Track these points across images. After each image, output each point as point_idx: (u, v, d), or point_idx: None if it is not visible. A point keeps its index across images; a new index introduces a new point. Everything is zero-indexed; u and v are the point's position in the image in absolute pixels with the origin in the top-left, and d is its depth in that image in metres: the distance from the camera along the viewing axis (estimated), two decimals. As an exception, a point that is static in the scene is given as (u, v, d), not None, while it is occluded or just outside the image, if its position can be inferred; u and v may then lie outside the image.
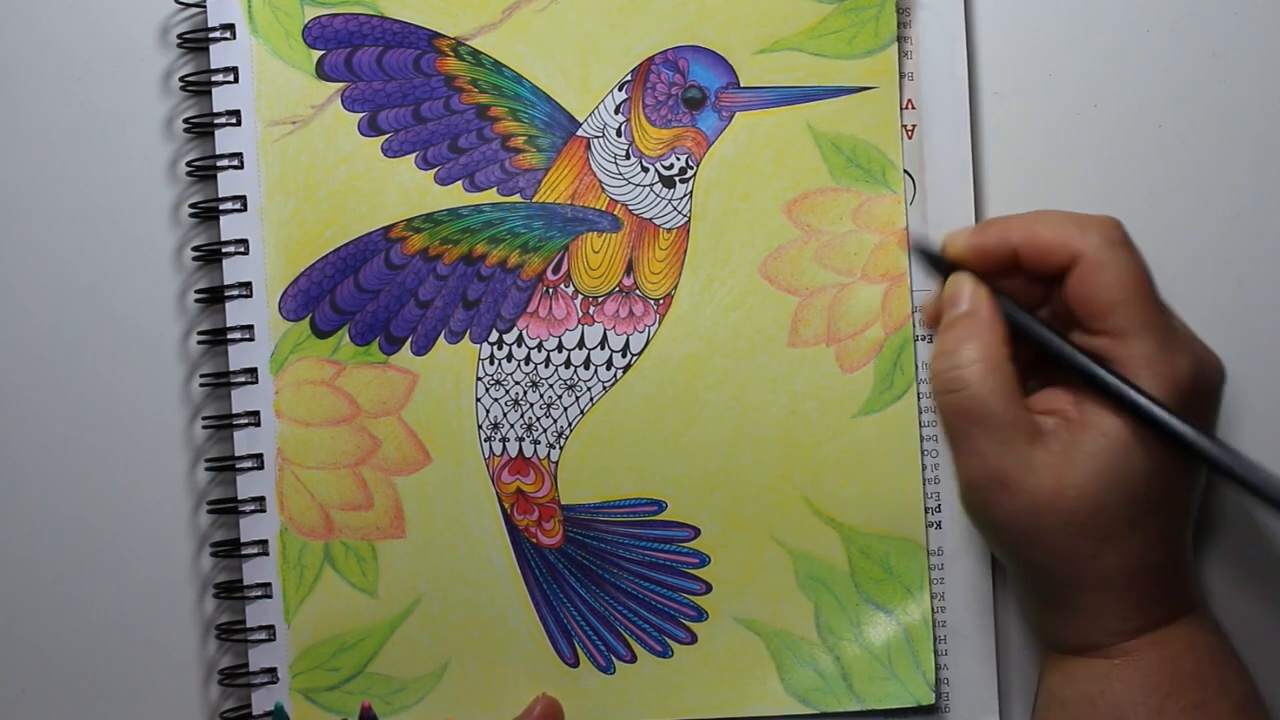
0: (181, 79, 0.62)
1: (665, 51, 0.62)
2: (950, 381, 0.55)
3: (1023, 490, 0.54)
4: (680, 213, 0.62)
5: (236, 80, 0.61)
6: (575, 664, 0.62)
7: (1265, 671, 0.60)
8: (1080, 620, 0.55)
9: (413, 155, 0.62)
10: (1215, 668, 0.55)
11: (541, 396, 0.62)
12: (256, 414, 0.61)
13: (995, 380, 0.54)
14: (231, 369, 0.61)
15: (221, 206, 0.61)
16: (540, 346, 0.62)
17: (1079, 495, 0.53)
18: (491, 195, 0.62)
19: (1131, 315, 0.54)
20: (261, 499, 0.61)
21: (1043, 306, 0.57)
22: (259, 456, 0.61)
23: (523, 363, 0.62)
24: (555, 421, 0.62)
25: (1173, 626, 0.55)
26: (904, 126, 0.62)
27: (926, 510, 0.61)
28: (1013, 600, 0.62)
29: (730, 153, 0.62)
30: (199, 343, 0.62)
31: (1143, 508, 0.54)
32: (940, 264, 0.58)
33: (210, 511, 0.62)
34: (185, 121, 0.62)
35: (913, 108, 0.62)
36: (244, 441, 0.61)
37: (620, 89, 0.62)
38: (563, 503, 0.62)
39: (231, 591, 0.61)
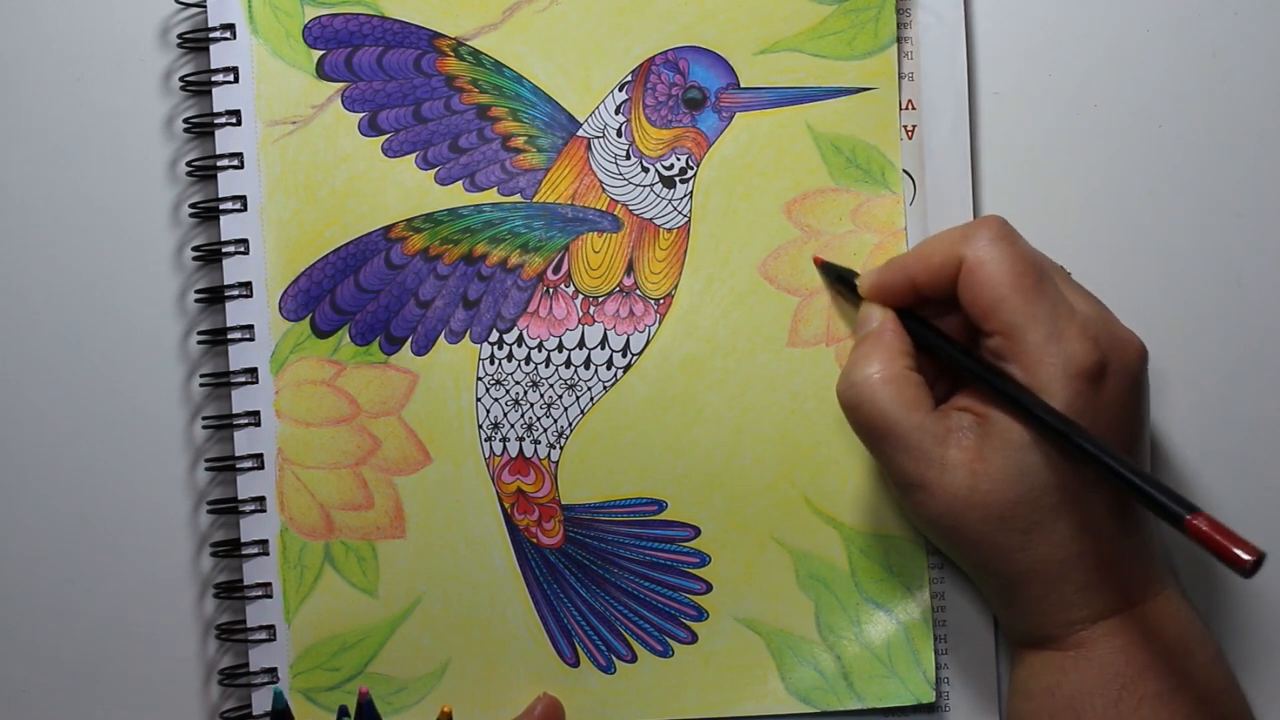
0: (181, 79, 0.62)
1: (665, 52, 0.62)
2: (852, 398, 0.57)
3: (941, 489, 0.55)
4: (680, 213, 0.62)
5: (236, 80, 0.61)
6: (576, 664, 0.62)
7: (1232, 653, 0.60)
8: (1026, 614, 0.56)
9: (413, 155, 0.62)
10: (1176, 658, 0.55)
11: (542, 396, 0.62)
12: (256, 414, 0.61)
13: (892, 391, 0.56)
14: (231, 369, 0.61)
15: (221, 206, 0.61)
16: (540, 346, 0.62)
17: (993, 489, 0.54)
18: (492, 195, 0.62)
19: (1015, 308, 0.55)
20: (261, 499, 0.61)
21: (952, 314, 0.58)
22: (259, 456, 0.61)
23: (523, 363, 0.62)
24: (555, 421, 0.62)
25: (1126, 616, 0.55)
26: (904, 127, 0.62)
27: (926, 510, 0.62)
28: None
29: (730, 153, 0.62)
30: (199, 343, 0.62)
31: (1061, 497, 0.54)
32: (853, 286, 0.60)
33: (210, 511, 0.62)
34: (185, 121, 0.62)
35: (912, 108, 0.62)
36: (244, 441, 0.61)
37: (620, 89, 0.62)
38: (563, 502, 0.62)
39: (231, 591, 0.61)
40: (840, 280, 0.61)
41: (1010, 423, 0.54)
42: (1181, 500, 0.50)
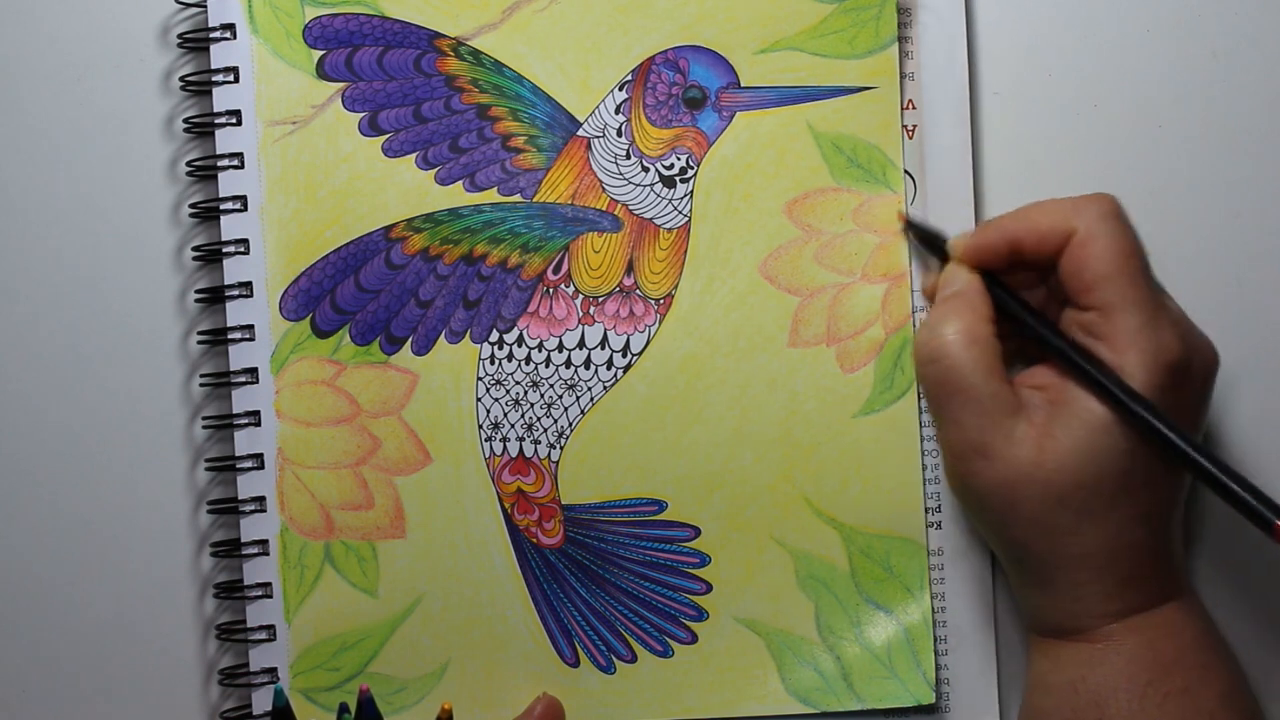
0: (182, 79, 0.62)
1: (666, 51, 0.62)
2: (931, 351, 0.56)
3: (1003, 460, 0.55)
4: (681, 213, 0.62)
5: (237, 80, 0.61)
6: (576, 664, 0.62)
7: (1250, 661, 0.60)
8: (1062, 601, 0.56)
9: (413, 155, 0.62)
10: (1201, 654, 0.55)
11: (542, 396, 0.62)
12: (257, 414, 0.61)
13: (974, 352, 0.56)
14: (232, 369, 0.61)
15: (222, 206, 0.61)
16: (541, 346, 0.62)
17: (1058, 467, 0.54)
18: (492, 195, 0.62)
19: (1119, 289, 0.55)
20: (262, 499, 0.61)
21: (1038, 287, 0.58)
22: (259, 456, 0.61)
23: (523, 363, 0.62)
24: (556, 421, 0.62)
25: (1156, 612, 0.55)
26: (904, 126, 0.62)
27: (926, 510, 0.62)
28: (1012, 598, 0.61)
29: (731, 153, 0.62)
30: (199, 343, 0.62)
31: (1122, 485, 0.54)
32: (938, 247, 0.59)
33: (210, 511, 0.62)
34: (185, 121, 0.62)
35: (913, 108, 0.62)
36: (244, 441, 0.61)
37: (621, 89, 0.62)
38: (563, 502, 0.62)
39: (231, 591, 0.61)
40: (925, 242, 0.61)
41: (1088, 402, 0.54)
42: (1271, 503, 0.50)
